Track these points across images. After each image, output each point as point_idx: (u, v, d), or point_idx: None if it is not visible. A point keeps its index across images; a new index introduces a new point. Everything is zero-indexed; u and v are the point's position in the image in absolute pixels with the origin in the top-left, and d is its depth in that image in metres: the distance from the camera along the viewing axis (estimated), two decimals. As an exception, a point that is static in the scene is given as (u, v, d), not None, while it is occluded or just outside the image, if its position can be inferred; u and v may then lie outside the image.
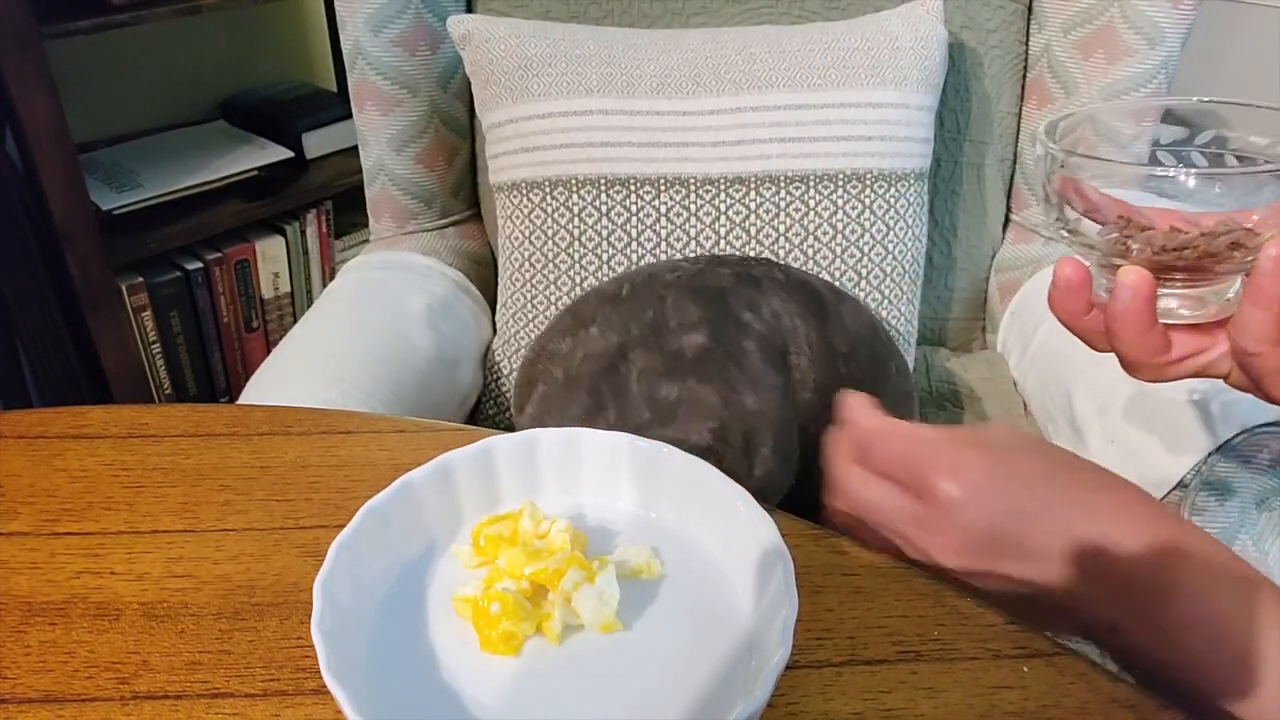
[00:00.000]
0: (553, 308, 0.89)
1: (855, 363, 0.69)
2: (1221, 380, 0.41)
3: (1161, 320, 0.38)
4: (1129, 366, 0.41)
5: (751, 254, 0.86)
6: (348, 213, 1.60)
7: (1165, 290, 0.39)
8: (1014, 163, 1.02)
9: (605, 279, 0.84)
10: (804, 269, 0.84)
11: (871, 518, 0.42)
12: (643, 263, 0.86)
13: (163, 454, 0.49)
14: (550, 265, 0.88)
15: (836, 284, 0.88)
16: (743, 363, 0.61)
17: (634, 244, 0.87)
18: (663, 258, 0.87)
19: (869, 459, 0.43)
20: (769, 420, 0.59)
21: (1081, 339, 0.43)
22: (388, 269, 0.98)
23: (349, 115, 1.04)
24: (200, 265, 1.44)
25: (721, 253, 0.87)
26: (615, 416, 0.58)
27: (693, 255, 0.86)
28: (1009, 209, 1.05)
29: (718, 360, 0.60)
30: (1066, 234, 0.39)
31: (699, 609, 0.36)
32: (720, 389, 0.58)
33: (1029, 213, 1.02)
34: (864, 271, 0.88)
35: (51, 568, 0.42)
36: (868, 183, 0.87)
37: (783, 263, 0.81)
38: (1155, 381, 0.41)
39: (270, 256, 1.52)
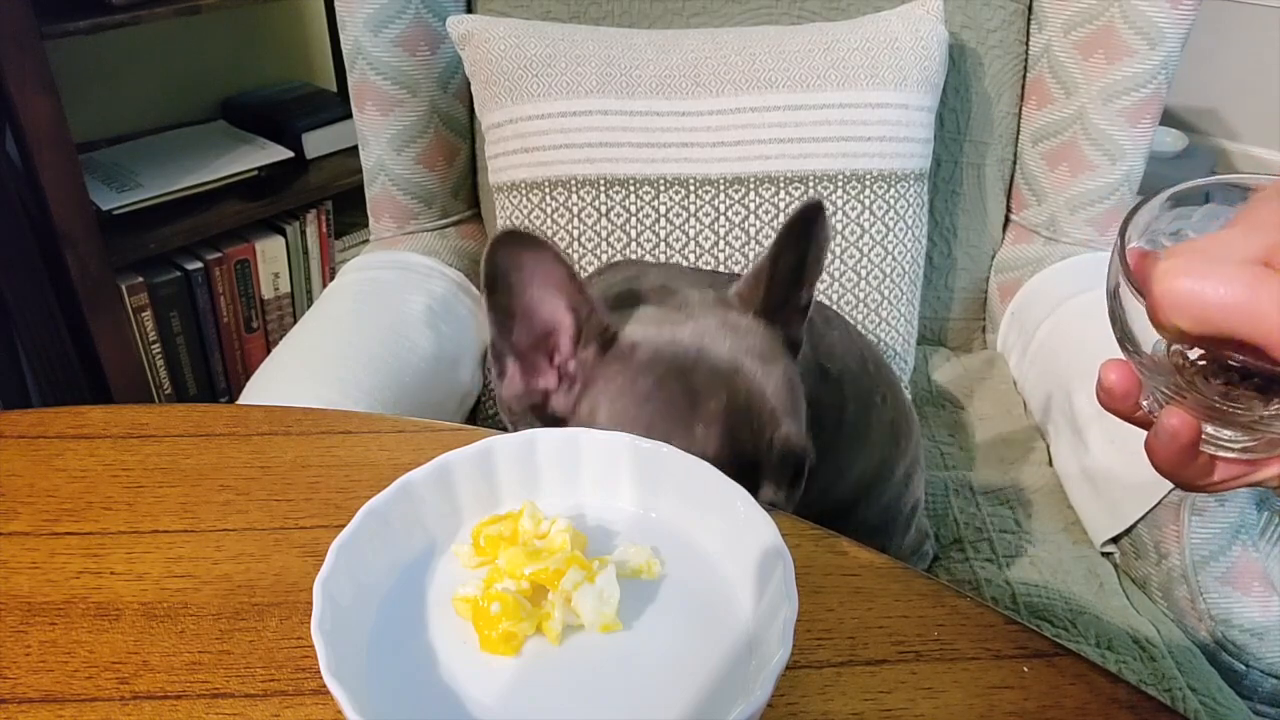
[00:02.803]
0: (553, 308, 0.89)
1: (840, 389, 0.70)
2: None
3: (1205, 449, 0.35)
4: (1168, 479, 0.38)
5: (751, 255, 0.86)
6: (348, 213, 1.60)
7: (1216, 428, 0.34)
8: (1014, 163, 1.02)
9: (605, 279, 0.84)
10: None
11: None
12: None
13: (163, 454, 0.49)
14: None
15: (837, 286, 0.88)
16: None
17: (633, 244, 0.87)
18: (662, 258, 0.87)
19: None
20: None
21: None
22: (388, 269, 0.98)
23: (349, 115, 1.04)
24: (200, 265, 1.44)
25: (716, 269, 0.87)
26: None
27: (688, 266, 0.86)
28: (1009, 209, 1.05)
29: None
30: (1127, 345, 0.35)
31: (699, 609, 0.36)
32: None
33: (1029, 213, 1.02)
34: (864, 271, 0.88)
35: (51, 568, 0.42)
36: (867, 183, 0.87)
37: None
38: (1194, 492, 0.39)
39: (270, 256, 1.52)
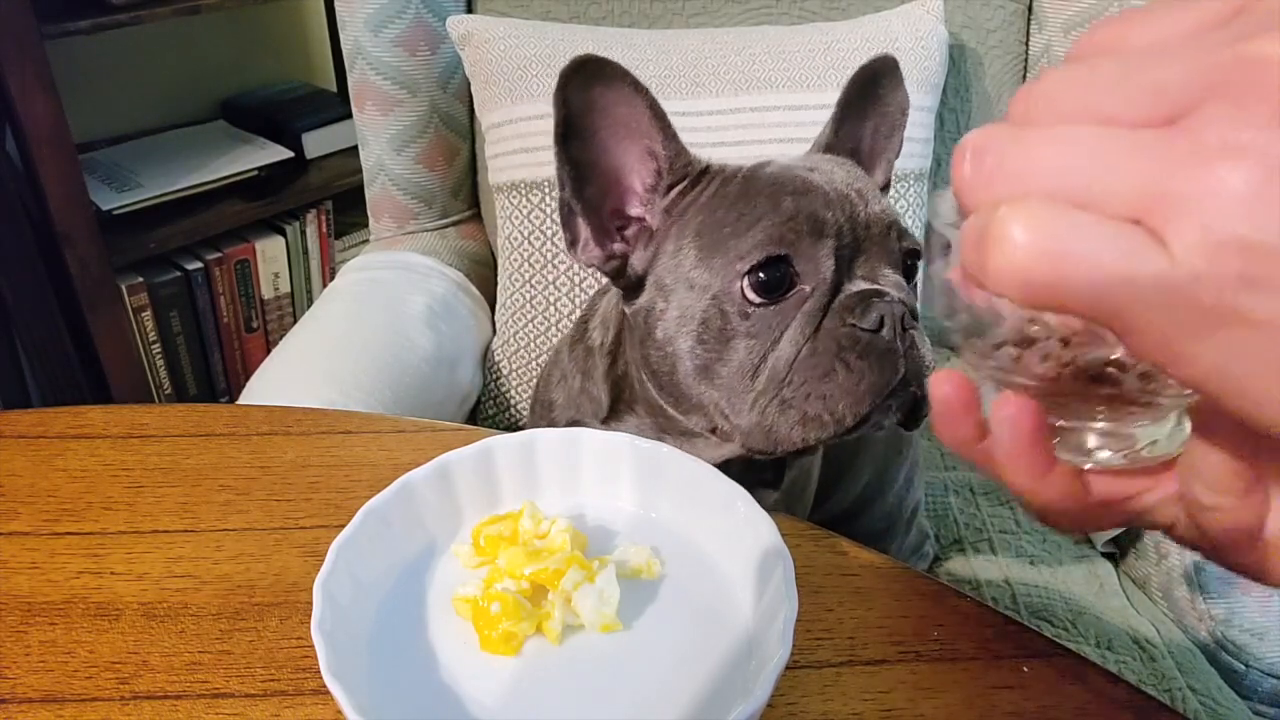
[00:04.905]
0: (552, 308, 0.89)
1: None
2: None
3: (1070, 461, 0.27)
4: (1037, 516, 0.30)
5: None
6: (348, 213, 1.60)
7: (1076, 423, 0.28)
8: (1014, 163, 1.02)
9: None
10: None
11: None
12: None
13: (163, 454, 0.49)
14: (550, 265, 0.88)
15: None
16: None
17: (634, 244, 0.87)
18: (663, 258, 0.87)
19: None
20: None
21: (984, 473, 0.31)
22: (388, 269, 0.98)
23: (349, 115, 1.04)
24: (200, 265, 1.44)
25: None
26: None
27: None
28: (1009, 209, 1.05)
29: None
30: (959, 340, 0.28)
31: (699, 609, 0.36)
32: None
33: (1029, 213, 1.02)
34: (864, 271, 0.88)
35: (51, 568, 0.42)
36: (868, 183, 0.87)
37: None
38: (1076, 533, 0.33)
39: (270, 256, 1.52)
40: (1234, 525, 0.27)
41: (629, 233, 0.54)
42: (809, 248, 0.49)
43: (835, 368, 0.47)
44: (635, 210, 0.54)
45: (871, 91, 0.56)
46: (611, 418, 0.58)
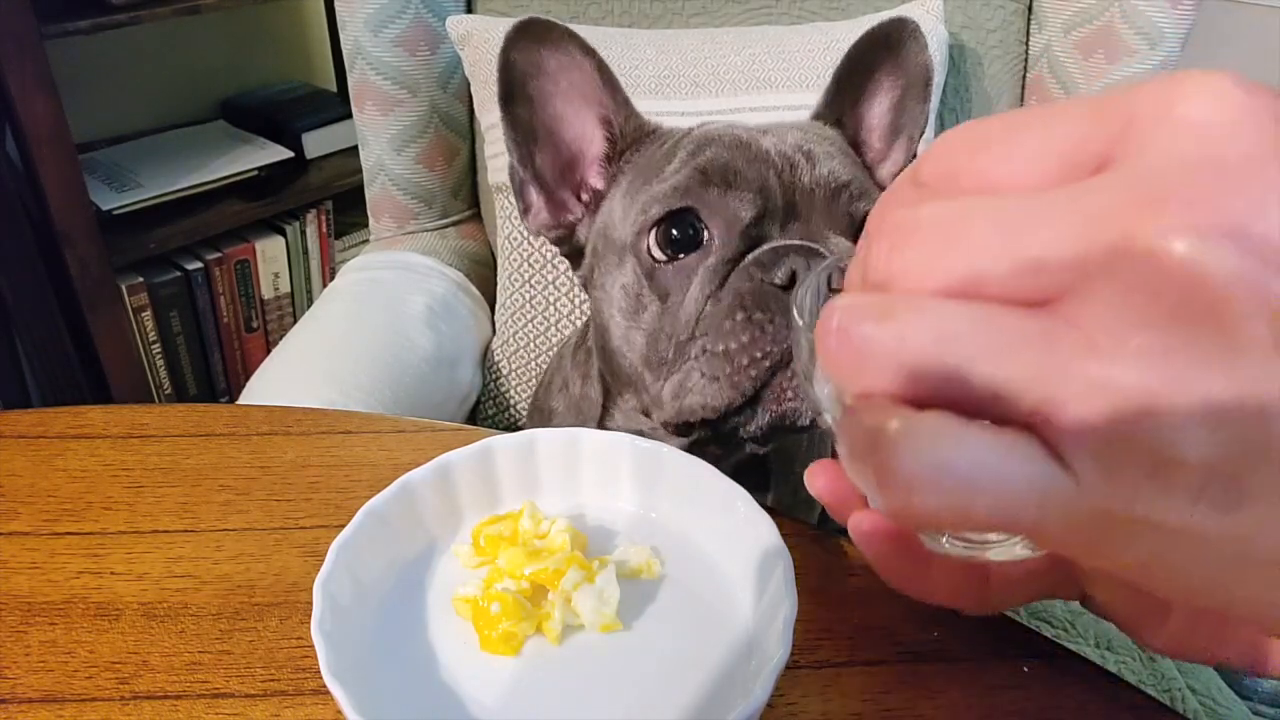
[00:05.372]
0: (552, 308, 0.89)
1: None
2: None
3: (931, 547, 0.25)
4: (941, 604, 0.29)
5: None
6: (348, 213, 1.60)
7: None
8: (1014, 163, 1.02)
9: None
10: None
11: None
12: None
13: (163, 454, 0.49)
14: (549, 265, 0.88)
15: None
16: None
17: (634, 244, 0.87)
18: (663, 258, 0.87)
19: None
20: None
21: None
22: (388, 269, 0.98)
23: (349, 115, 1.04)
24: (200, 265, 1.44)
25: None
26: None
27: None
28: (1009, 209, 1.05)
29: None
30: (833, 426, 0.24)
31: (699, 609, 0.36)
32: None
33: (1029, 213, 1.02)
34: (864, 271, 0.88)
35: (51, 568, 0.42)
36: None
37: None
38: (983, 613, 0.30)
39: (270, 256, 1.52)
40: (1137, 608, 0.26)
41: (587, 199, 0.52)
42: (717, 199, 0.45)
43: (736, 320, 0.42)
44: (594, 179, 0.52)
45: (885, 59, 0.52)
46: (605, 417, 0.57)
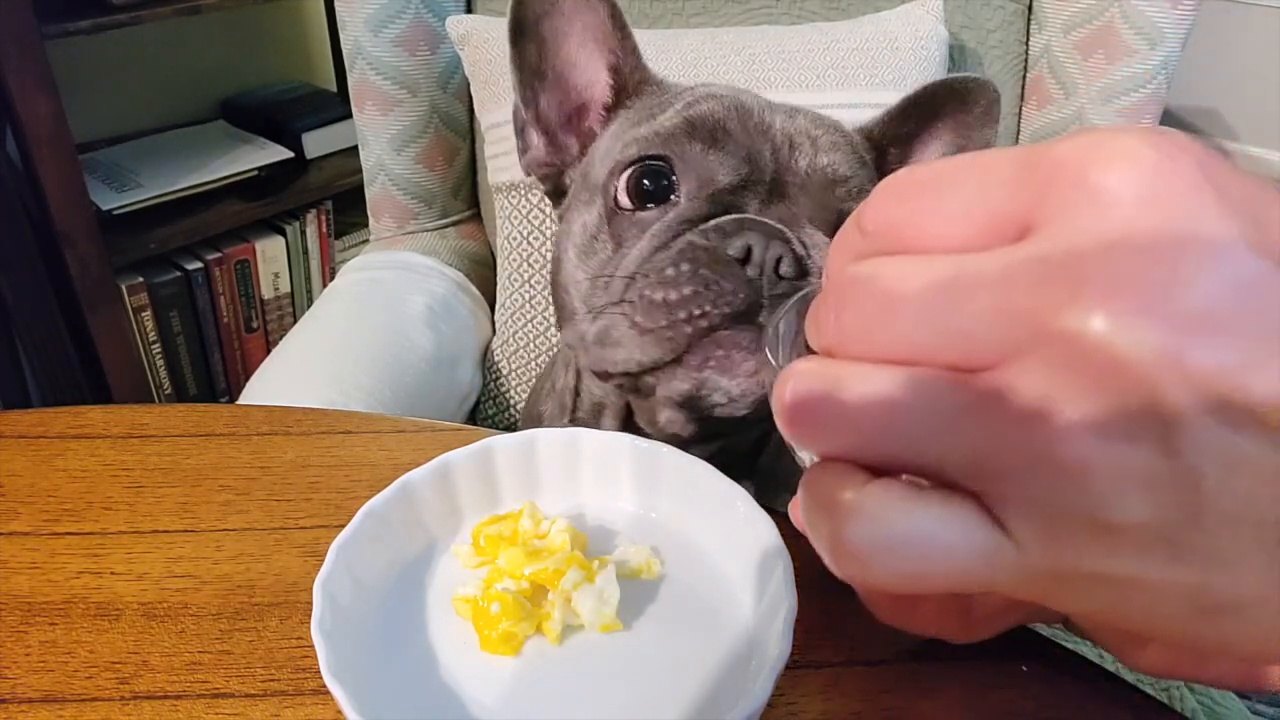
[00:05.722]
0: (552, 308, 0.89)
1: None
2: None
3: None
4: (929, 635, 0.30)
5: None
6: (348, 213, 1.60)
7: None
8: (1014, 163, 1.02)
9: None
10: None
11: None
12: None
13: (163, 454, 0.49)
14: (549, 265, 0.88)
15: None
16: None
17: (634, 244, 0.87)
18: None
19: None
20: None
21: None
22: (388, 269, 0.98)
23: (349, 115, 1.04)
24: (200, 265, 1.44)
25: None
26: None
27: None
28: (1009, 209, 1.05)
29: None
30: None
31: (699, 609, 0.36)
32: None
33: (1029, 213, 1.02)
34: (864, 271, 0.88)
35: (51, 568, 0.42)
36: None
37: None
38: (966, 641, 0.32)
39: (270, 256, 1.52)
40: (1116, 635, 0.26)
41: (584, 144, 0.51)
42: (697, 155, 0.43)
43: (680, 270, 0.39)
44: (595, 124, 0.51)
45: (954, 110, 0.50)
46: (576, 398, 0.56)
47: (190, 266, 1.44)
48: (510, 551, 0.37)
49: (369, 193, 1.05)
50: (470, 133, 1.04)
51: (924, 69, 0.88)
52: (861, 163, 0.48)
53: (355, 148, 1.05)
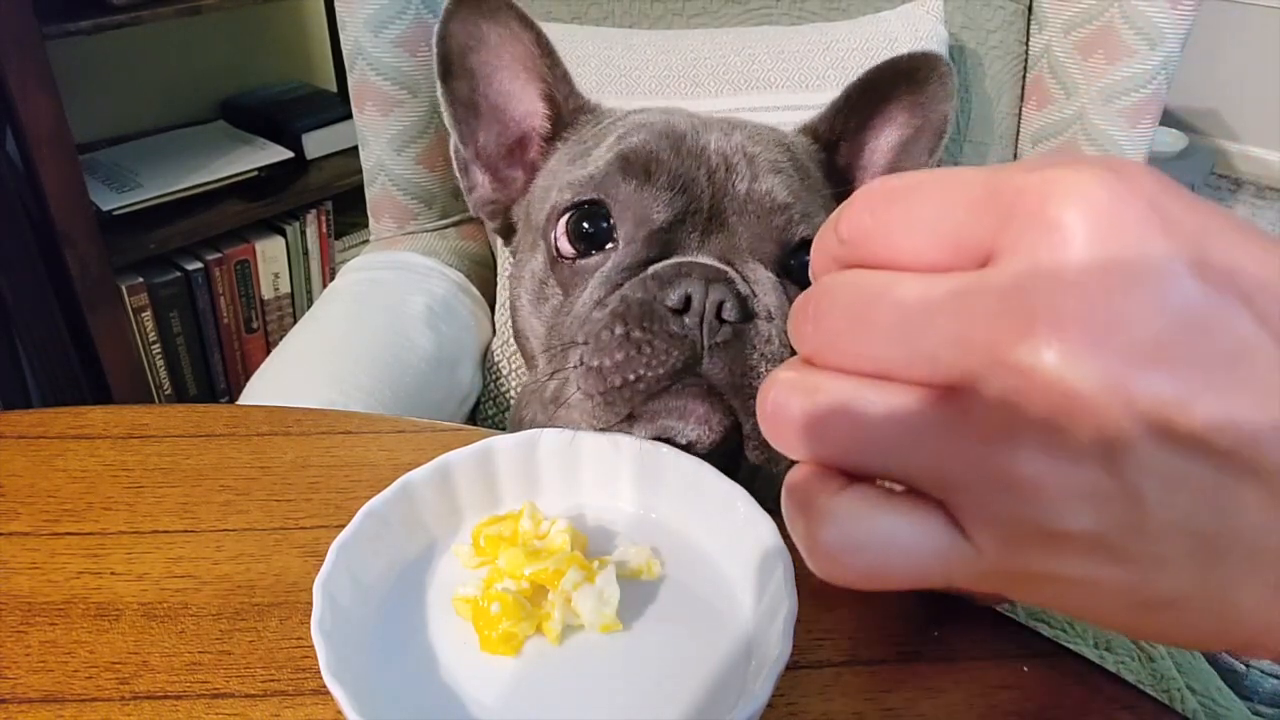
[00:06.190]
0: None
1: None
2: None
3: None
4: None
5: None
6: (348, 213, 1.60)
7: None
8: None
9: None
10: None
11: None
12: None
13: (163, 454, 0.49)
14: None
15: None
16: None
17: (634, 244, 0.87)
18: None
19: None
20: None
21: None
22: (388, 269, 0.98)
23: (349, 115, 1.04)
24: (200, 265, 1.44)
25: None
26: None
27: None
28: (1009, 209, 1.05)
29: None
30: None
31: (699, 609, 0.36)
32: None
33: (1029, 213, 1.02)
34: (864, 272, 0.88)
35: (52, 568, 0.42)
36: (867, 183, 0.86)
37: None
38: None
39: (270, 256, 1.52)
40: None
41: (528, 176, 0.51)
42: (632, 194, 0.42)
43: (614, 333, 0.39)
44: (536, 156, 0.50)
45: (905, 93, 0.49)
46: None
47: (190, 267, 1.44)
48: (510, 551, 0.37)
49: (369, 193, 1.05)
50: (470, 133, 1.04)
51: (924, 69, 0.88)
52: (804, 177, 0.47)
53: (355, 148, 1.05)
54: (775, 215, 0.43)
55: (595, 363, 0.39)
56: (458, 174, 0.51)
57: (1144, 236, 0.17)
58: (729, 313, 0.38)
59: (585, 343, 0.40)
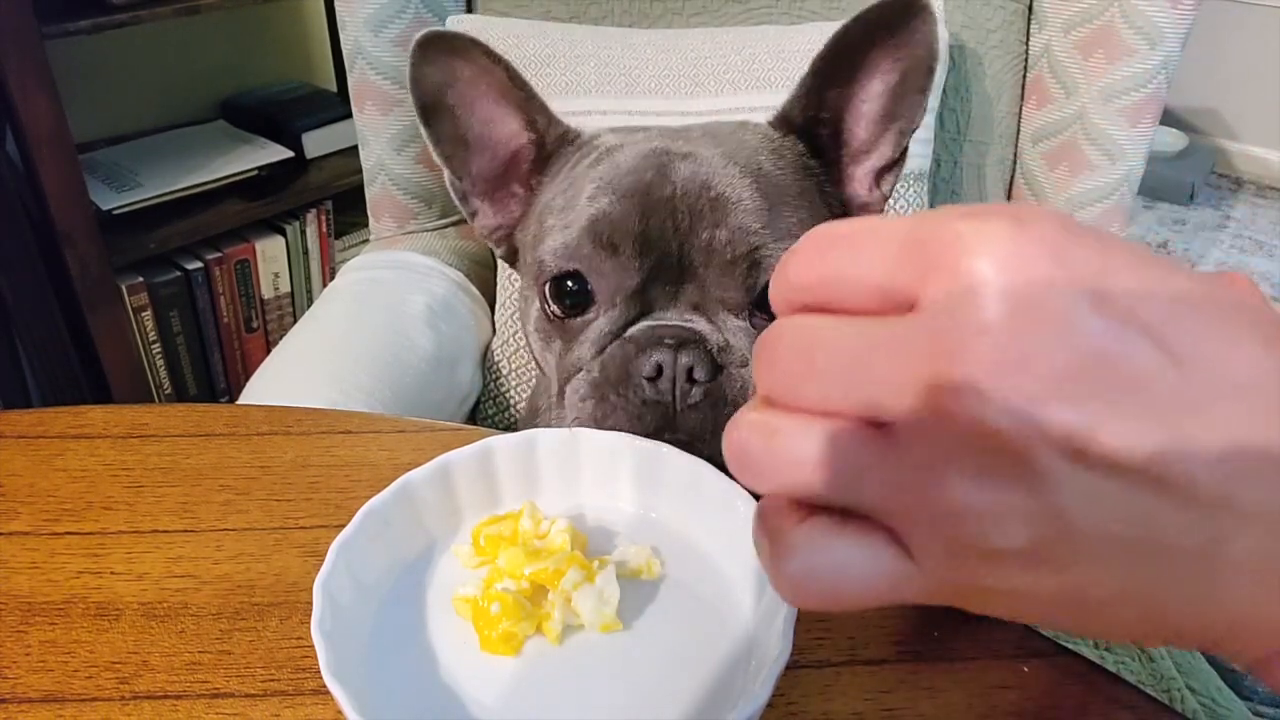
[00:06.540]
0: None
1: None
2: None
3: None
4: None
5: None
6: (348, 213, 1.60)
7: None
8: (1014, 163, 1.02)
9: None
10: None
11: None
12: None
13: (163, 454, 0.49)
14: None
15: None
16: None
17: (634, 244, 0.87)
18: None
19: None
20: None
21: None
22: (388, 269, 0.98)
23: (349, 115, 1.04)
24: (200, 265, 1.44)
25: None
26: None
27: None
28: (1009, 209, 1.05)
29: None
30: None
31: (699, 609, 0.36)
32: None
33: (1029, 213, 1.02)
34: (864, 271, 0.88)
35: (52, 568, 0.42)
36: (868, 183, 0.86)
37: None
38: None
39: (270, 256, 1.52)
40: None
41: (524, 198, 0.53)
42: (603, 264, 0.45)
43: (593, 402, 0.44)
44: (528, 179, 0.52)
45: (884, 38, 0.47)
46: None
47: (190, 266, 1.44)
48: (510, 551, 0.37)
49: (369, 193, 1.05)
50: (470, 133, 1.04)
51: (924, 69, 0.88)
52: (777, 199, 0.47)
53: (355, 148, 1.05)
54: (739, 264, 0.45)
55: (584, 419, 0.44)
56: (458, 204, 0.53)
57: (1047, 280, 0.19)
58: (699, 374, 0.43)
59: (570, 407, 0.45)
